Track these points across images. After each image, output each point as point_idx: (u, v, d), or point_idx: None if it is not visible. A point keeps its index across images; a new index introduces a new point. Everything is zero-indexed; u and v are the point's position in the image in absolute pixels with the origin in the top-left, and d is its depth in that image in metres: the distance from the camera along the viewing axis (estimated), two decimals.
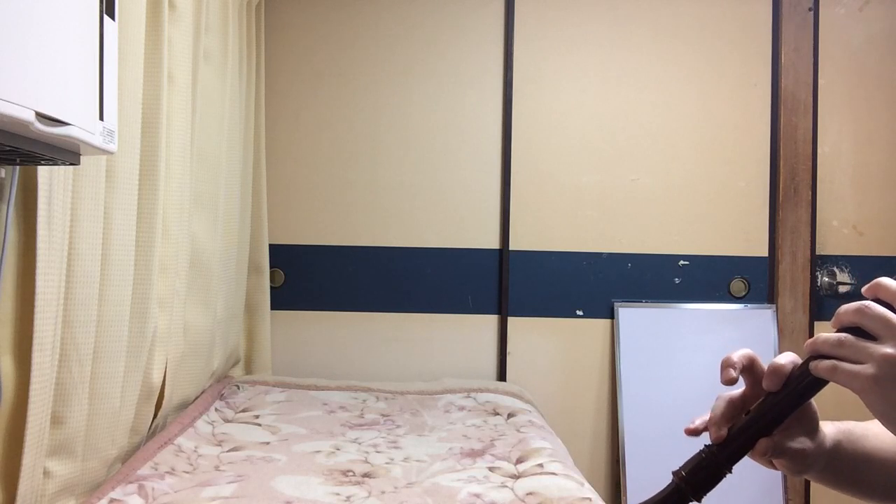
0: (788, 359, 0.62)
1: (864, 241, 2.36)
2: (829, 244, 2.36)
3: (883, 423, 0.57)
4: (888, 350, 0.54)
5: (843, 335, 0.57)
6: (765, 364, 0.64)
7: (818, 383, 0.60)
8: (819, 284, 2.36)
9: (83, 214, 1.16)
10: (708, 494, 0.62)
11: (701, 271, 2.36)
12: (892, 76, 2.36)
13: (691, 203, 2.36)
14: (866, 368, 0.54)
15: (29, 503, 1.04)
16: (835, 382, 0.57)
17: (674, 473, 0.64)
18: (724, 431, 0.63)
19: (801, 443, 0.65)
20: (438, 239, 2.35)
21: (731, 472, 0.62)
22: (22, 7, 0.71)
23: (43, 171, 1.03)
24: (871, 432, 0.69)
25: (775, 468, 0.67)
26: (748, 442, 0.62)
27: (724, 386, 0.65)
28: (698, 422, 0.65)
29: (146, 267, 1.40)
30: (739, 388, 0.65)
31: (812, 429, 0.66)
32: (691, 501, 0.62)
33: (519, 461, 1.47)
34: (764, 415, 0.62)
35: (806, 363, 0.60)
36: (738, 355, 0.64)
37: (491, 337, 2.35)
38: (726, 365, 0.63)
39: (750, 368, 0.64)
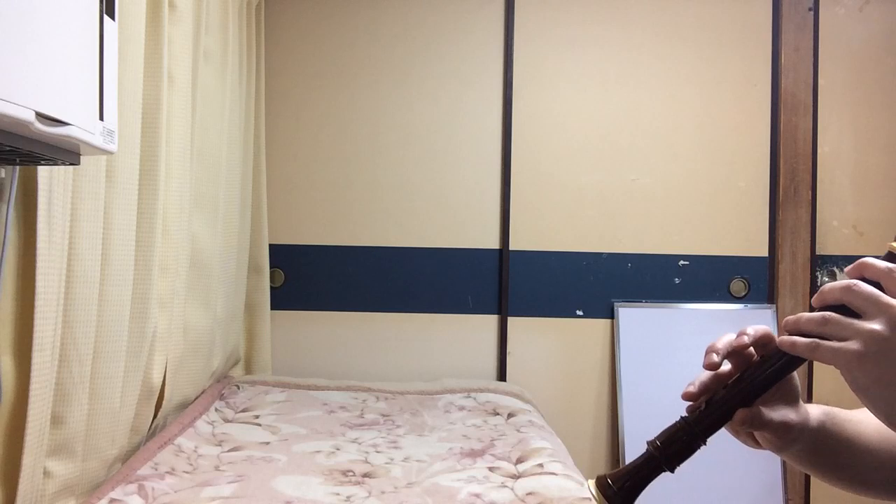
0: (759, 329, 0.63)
1: (864, 241, 2.36)
2: (829, 244, 2.36)
3: (863, 400, 0.57)
4: (874, 326, 0.54)
5: (826, 313, 0.57)
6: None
7: (797, 360, 0.61)
8: (819, 284, 2.35)
9: (83, 214, 1.16)
10: (681, 465, 0.62)
11: (701, 271, 2.36)
12: (892, 76, 2.36)
13: (691, 203, 2.36)
14: (851, 344, 0.54)
15: (29, 503, 1.04)
16: (816, 360, 0.57)
17: (648, 443, 0.64)
18: (700, 397, 0.63)
19: (784, 415, 0.65)
20: (438, 239, 2.35)
21: (705, 444, 0.62)
22: (22, 7, 0.71)
23: (43, 171, 1.03)
24: (855, 418, 0.70)
25: (759, 446, 0.67)
26: (725, 415, 0.62)
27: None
28: (691, 388, 0.65)
29: (146, 267, 1.40)
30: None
31: (793, 401, 0.66)
32: (664, 471, 0.62)
33: (519, 461, 1.47)
34: (742, 389, 0.62)
35: None
36: (722, 343, 0.64)
37: (491, 337, 2.35)
38: (710, 350, 0.63)
39: (737, 352, 0.64)
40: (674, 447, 0.62)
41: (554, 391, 2.34)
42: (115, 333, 1.28)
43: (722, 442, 0.67)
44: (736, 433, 0.66)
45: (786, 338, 0.59)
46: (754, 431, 0.66)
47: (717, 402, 0.62)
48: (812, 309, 0.59)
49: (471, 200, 2.36)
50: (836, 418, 0.69)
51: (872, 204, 2.36)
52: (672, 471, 0.62)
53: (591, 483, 0.64)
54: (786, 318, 0.60)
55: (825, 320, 0.56)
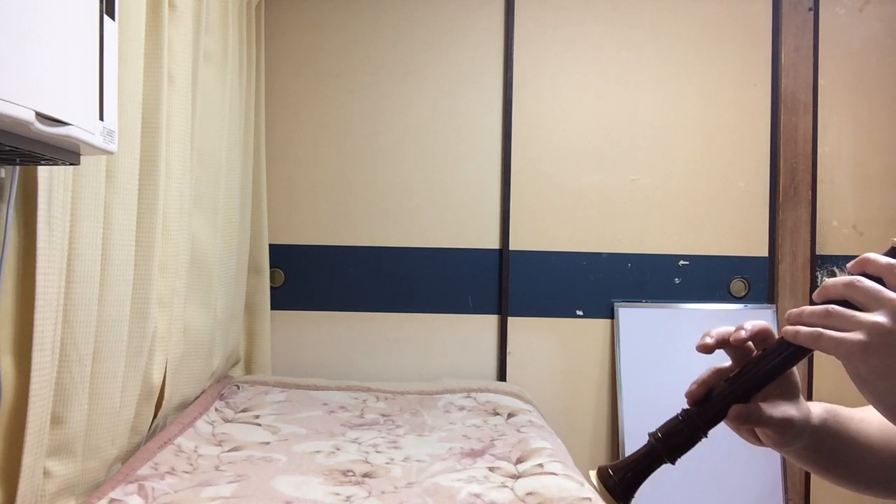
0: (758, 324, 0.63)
1: (864, 241, 2.35)
2: (829, 244, 2.36)
3: (864, 392, 0.57)
4: (879, 319, 0.54)
5: (830, 306, 0.57)
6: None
7: (799, 353, 0.60)
8: (819, 284, 2.35)
9: (83, 214, 1.16)
10: (682, 457, 0.62)
11: (701, 271, 2.36)
12: (892, 76, 2.36)
13: (691, 203, 2.36)
14: (854, 335, 0.54)
15: (29, 503, 1.04)
16: (818, 350, 0.57)
17: (650, 434, 0.64)
18: (700, 390, 0.64)
19: (785, 411, 0.64)
20: (438, 239, 2.35)
21: (706, 437, 0.62)
22: (22, 7, 0.71)
23: (43, 171, 1.03)
24: (857, 416, 0.70)
25: (760, 443, 0.67)
26: (727, 407, 0.62)
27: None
28: (694, 387, 0.66)
29: (146, 267, 1.40)
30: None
31: (794, 397, 0.66)
32: (665, 462, 0.62)
33: (519, 461, 1.47)
34: (743, 382, 0.62)
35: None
36: (718, 329, 0.64)
37: (491, 337, 2.35)
38: (705, 334, 0.64)
39: (737, 348, 0.65)
40: (675, 439, 0.62)
41: (554, 391, 2.34)
42: (115, 333, 1.28)
43: (722, 441, 0.67)
44: (737, 429, 0.66)
45: (789, 327, 0.59)
46: (755, 427, 0.65)
47: (719, 394, 0.63)
48: (813, 304, 0.59)
49: (471, 200, 2.36)
50: (839, 416, 0.69)
51: (872, 204, 2.36)
52: (673, 462, 0.62)
53: (593, 474, 0.64)
54: (788, 311, 0.60)
55: (828, 313, 0.56)
